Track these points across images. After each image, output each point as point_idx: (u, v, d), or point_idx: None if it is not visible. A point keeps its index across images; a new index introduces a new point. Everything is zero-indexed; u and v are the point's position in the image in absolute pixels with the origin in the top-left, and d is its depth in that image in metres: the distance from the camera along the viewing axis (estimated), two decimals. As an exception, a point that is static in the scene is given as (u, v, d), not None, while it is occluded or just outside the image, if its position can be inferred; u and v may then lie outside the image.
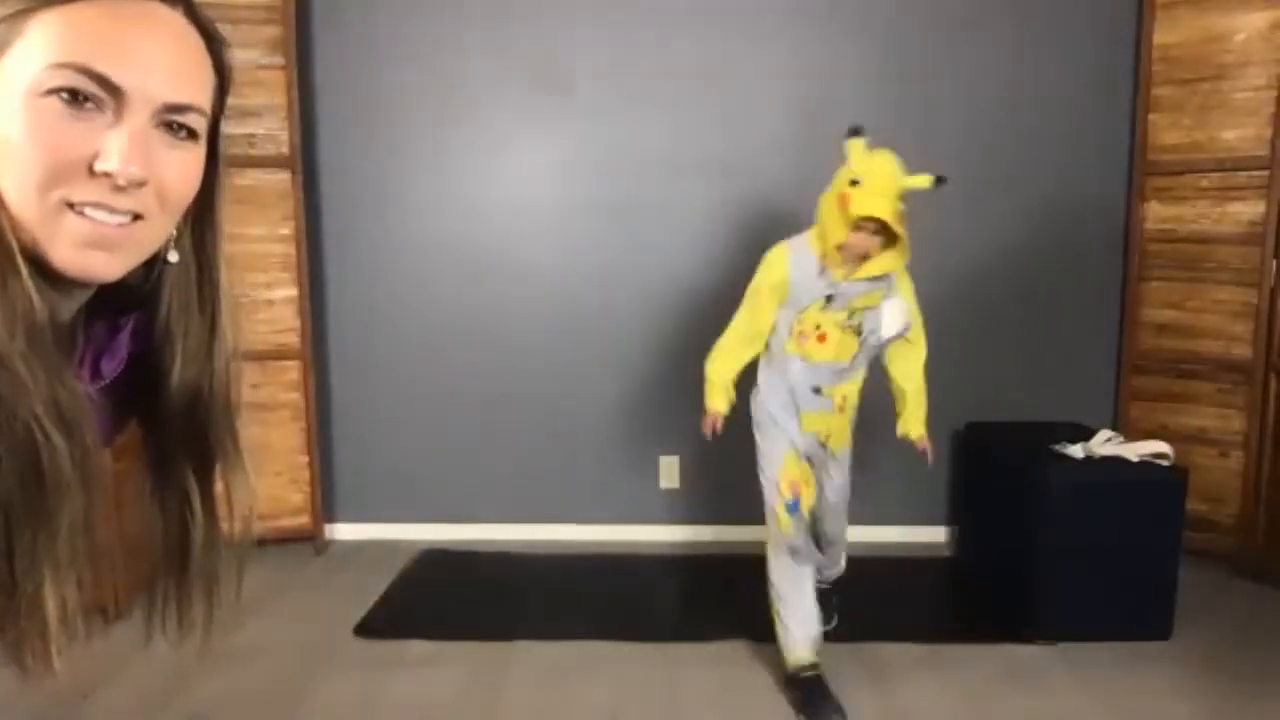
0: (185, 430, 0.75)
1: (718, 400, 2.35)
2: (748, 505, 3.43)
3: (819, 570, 2.47)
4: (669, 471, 3.44)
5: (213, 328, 0.75)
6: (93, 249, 0.63)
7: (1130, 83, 3.18)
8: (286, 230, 3.14)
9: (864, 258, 2.14)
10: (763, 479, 2.34)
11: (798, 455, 2.30)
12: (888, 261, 2.14)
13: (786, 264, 2.21)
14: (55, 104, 0.60)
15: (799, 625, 2.29)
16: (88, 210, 0.62)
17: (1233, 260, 3.00)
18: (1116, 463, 2.64)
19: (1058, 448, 2.72)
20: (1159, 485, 2.59)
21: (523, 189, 3.34)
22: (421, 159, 3.32)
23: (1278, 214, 2.87)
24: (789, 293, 2.22)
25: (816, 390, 2.28)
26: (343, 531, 3.49)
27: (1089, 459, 2.67)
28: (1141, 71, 3.13)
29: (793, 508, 2.25)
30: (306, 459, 3.27)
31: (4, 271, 0.59)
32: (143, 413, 0.76)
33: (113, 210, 0.63)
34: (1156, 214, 3.17)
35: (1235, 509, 3.05)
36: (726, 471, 3.36)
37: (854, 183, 2.02)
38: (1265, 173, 2.89)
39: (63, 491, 0.61)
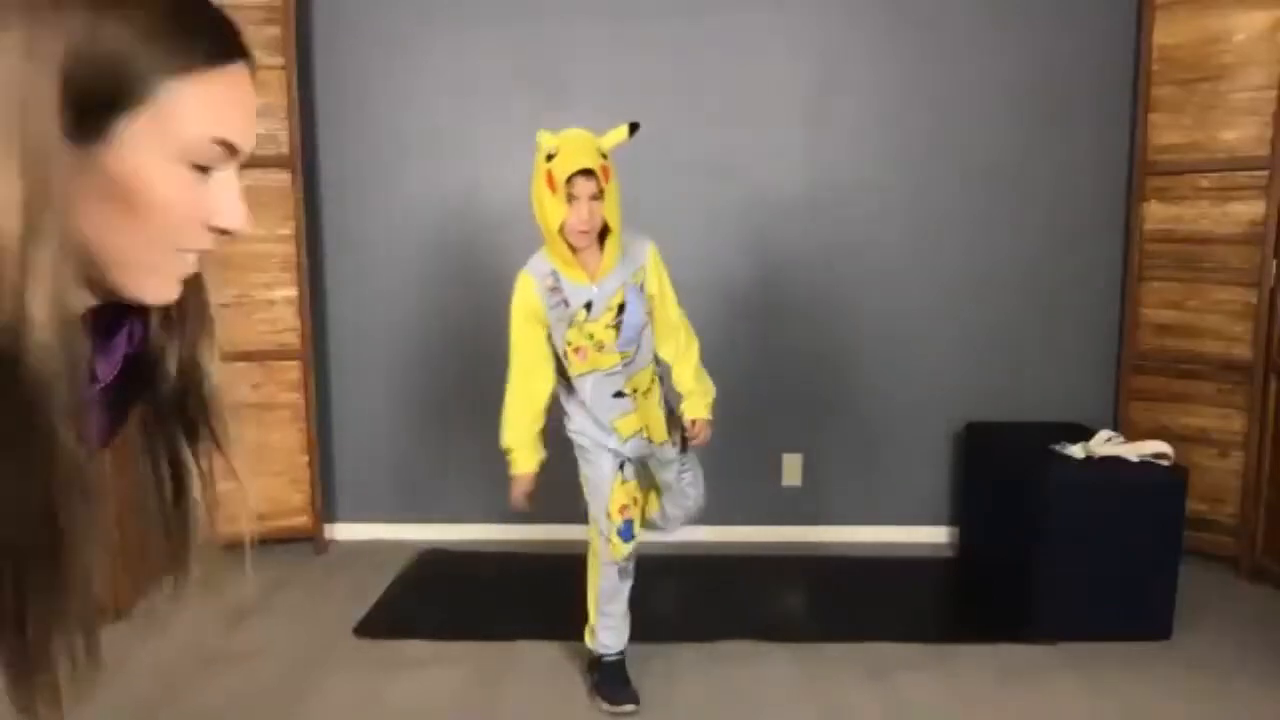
0: (178, 433, 0.77)
1: (524, 461, 2.22)
2: (748, 506, 3.44)
3: (682, 516, 2.50)
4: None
5: (204, 332, 0.77)
6: (180, 283, 0.69)
7: (1130, 83, 3.19)
8: (286, 230, 3.15)
9: (601, 241, 2.09)
10: (592, 507, 2.29)
11: (622, 478, 2.26)
12: (615, 249, 2.11)
13: (532, 287, 2.13)
14: (190, 171, 0.64)
15: (615, 633, 2.34)
16: (190, 254, 0.68)
17: (1233, 260, 3.00)
18: (1116, 463, 2.64)
19: (1058, 448, 2.72)
20: (1159, 485, 2.59)
21: (523, 189, 3.32)
22: (421, 159, 3.32)
23: (1278, 214, 2.87)
24: (546, 316, 2.14)
25: (618, 394, 2.21)
26: (343, 531, 3.49)
27: (1089, 459, 2.67)
28: (1141, 71, 3.13)
29: (626, 534, 2.24)
30: (306, 459, 3.27)
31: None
32: (137, 413, 0.78)
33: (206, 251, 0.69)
34: (1156, 214, 3.17)
35: (1235, 509, 3.05)
36: (727, 472, 3.36)
37: (550, 156, 2.00)
38: (1265, 173, 2.89)
39: (76, 547, 0.62)
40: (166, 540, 0.79)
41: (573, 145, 2.00)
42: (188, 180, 0.63)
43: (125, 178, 0.60)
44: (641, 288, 2.18)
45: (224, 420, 0.79)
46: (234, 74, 0.65)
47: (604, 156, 2.02)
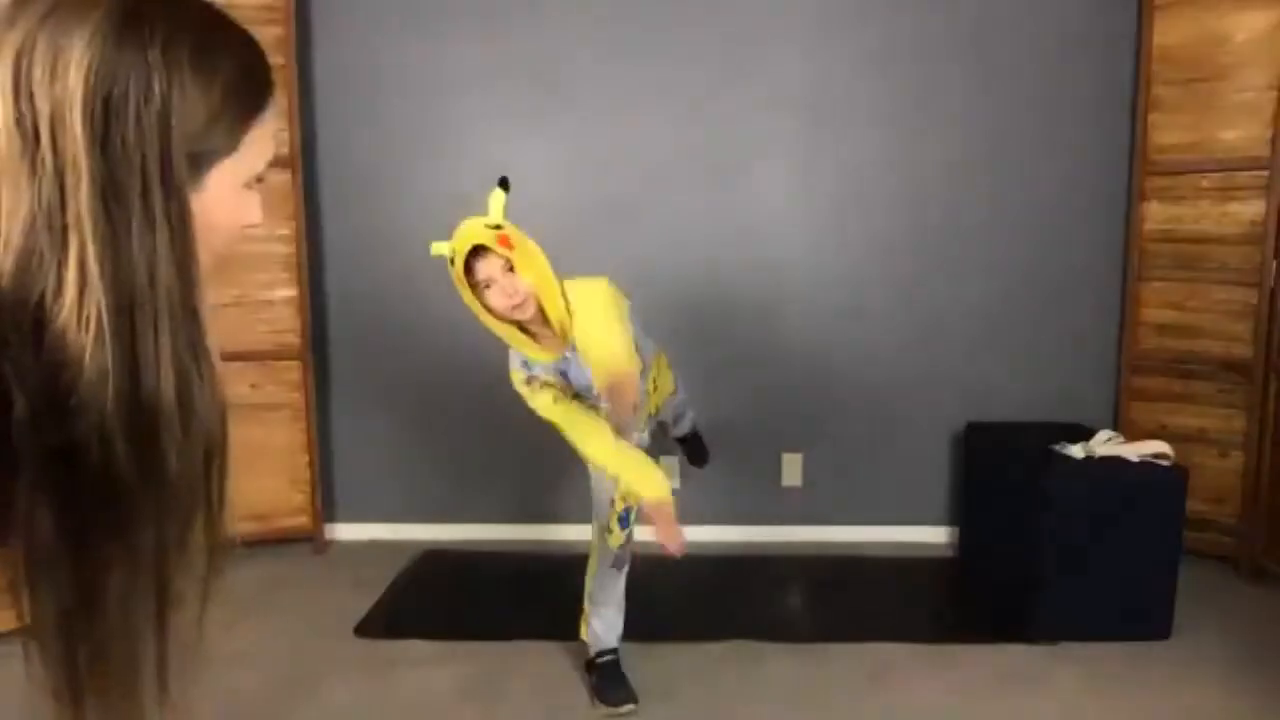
0: None
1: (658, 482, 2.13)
2: (748, 506, 3.44)
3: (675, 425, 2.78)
4: (669, 472, 3.43)
5: None
6: None
7: (1130, 83, 3.18)
8: (286, 230, 3.15)
9: (540, 315, 2.02)
10: (598, 493, 2.33)
11: None
12: (557, 313, 2.03)
13: (523, 381, 2.13)
14: (247, 191, 0.73)
15: (606, 624, 2.38)
16: None
17: (1233, 260, 3.00)
18: (1116, 463, 2.64)
19: (1058, 448, 2.72)
20: (1159, 485, 2.59)
21: (523, 188, 3.29)
22: (421, 159, 3.32)
23: (1278, 214, 2.87)
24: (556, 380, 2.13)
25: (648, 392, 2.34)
26: (343, 531, 3.49)
27: (1089, 459, 2.67)
28: (1141, 71, 3.13)
29: (624, 521, 2.31)
30: (306, 459, 3.27)
31: None
32: None
33: None
34: (1156, 214, 3.17)
35: (1235, 509, 3.05)
36: (727, 472, 3.37)
37: (452, 261, 1.95)
38: (1265, 173, 2.89)
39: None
40: None
41: (459, 236, 1.95)
42: (244, 197, 0.72)
43: (206, 210, 0.68)
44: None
45: None
46: (269, 111, 0.72)
47: (498, 227, 1.95)
